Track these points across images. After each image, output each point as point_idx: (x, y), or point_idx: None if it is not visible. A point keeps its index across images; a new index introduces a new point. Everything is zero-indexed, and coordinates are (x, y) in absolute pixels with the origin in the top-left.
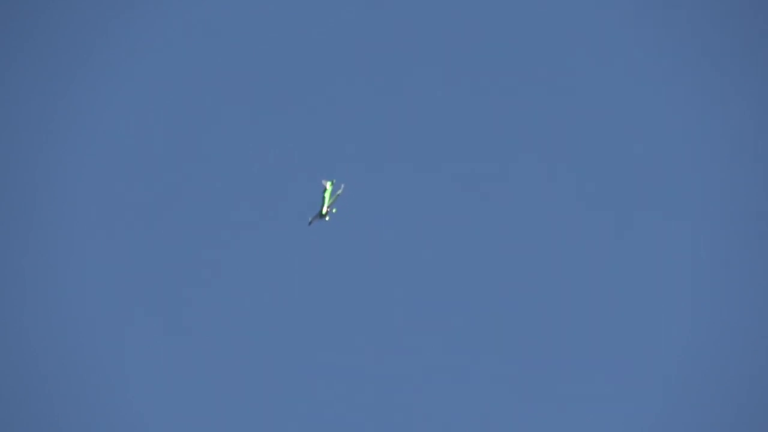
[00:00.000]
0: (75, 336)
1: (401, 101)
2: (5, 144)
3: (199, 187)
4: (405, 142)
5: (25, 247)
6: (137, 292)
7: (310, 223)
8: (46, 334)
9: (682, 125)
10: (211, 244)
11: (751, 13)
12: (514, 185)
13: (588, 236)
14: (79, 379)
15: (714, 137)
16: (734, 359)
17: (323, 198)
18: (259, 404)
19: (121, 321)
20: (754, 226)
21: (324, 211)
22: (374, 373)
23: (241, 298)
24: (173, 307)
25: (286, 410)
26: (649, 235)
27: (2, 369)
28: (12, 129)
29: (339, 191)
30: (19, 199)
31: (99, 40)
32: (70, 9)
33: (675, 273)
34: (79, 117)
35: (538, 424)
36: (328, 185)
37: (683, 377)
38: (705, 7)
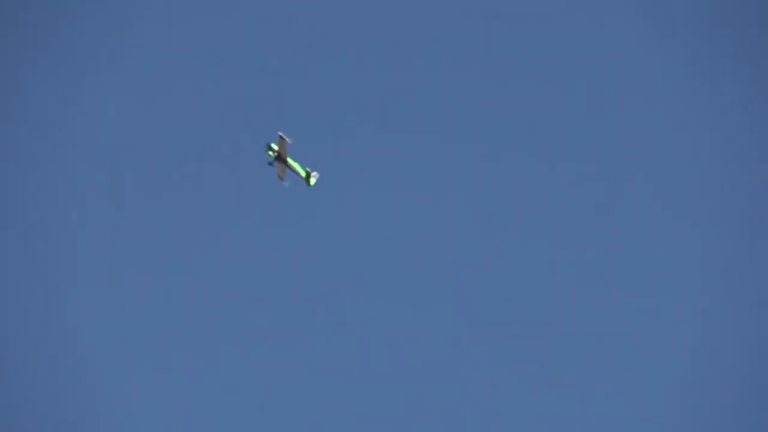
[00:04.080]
0: (74, 335)
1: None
2: (6, 144)
3: (196, 185)
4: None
5: (25, 247)
6: (135, 291)
7: (270, 163)
8: (44, 334)
9: (683, 127)
10: (207, 241)
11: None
12: (516, 183)
13: (590, 236)
14: (76, 378)
15: (714, 138)
16: (735, 361)
17: (285, 158)
18: (258, 404)
19: (119, 321)
20: (756, 226)
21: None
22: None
23: (238, 295)
24: (172, 307)
25: (284, 410)
26: (652, 235)
27: (2, 369)
28: (12, 129)
29: (303, 174)
30: (19, 199)
31: (98, 40)
32: (69, 9)
33: (677, 273)
34: (79, 117)
35: (543, 425)
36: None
37: (685, 379)
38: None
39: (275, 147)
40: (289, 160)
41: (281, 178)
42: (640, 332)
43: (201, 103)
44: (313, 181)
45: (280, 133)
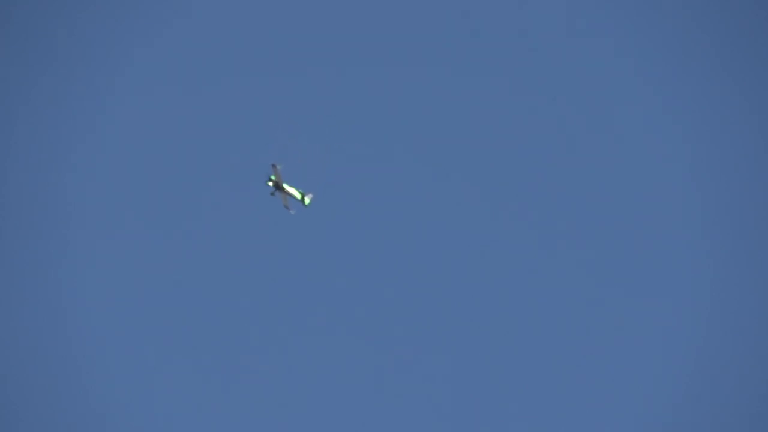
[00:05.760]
0: (75, 336)
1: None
2: (8, 145)
3: (197, 186)
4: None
5: (26, 247)
6: (138, 292)
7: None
8: (45, 334)
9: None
10: (211, 246)
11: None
12: (512, 186)
13: (588, 237)
14: (77, 378)
15: (713, 139)
16: (733, 361)
17: (281, 182)
18: (258, 404)
19: (121, 321)
20: (754, 228)
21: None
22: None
23: (240, 297)
24: (175, 308)
25: (284, 409)
26: (648, 236)
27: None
28: (14, 129)
29: (299, 197)
30: (21, 200)
31: (103, 41)
32: (72, 10)
33: (676, 273)
34: (83, 117)
35: (541, 424)
36: (297, 194)
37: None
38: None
39: (273, 178)
40: (286, 186)
41: (287, 207)
42: (637, 332)
43: (202, 105)
44: (307, 201)
45: (272, 163)
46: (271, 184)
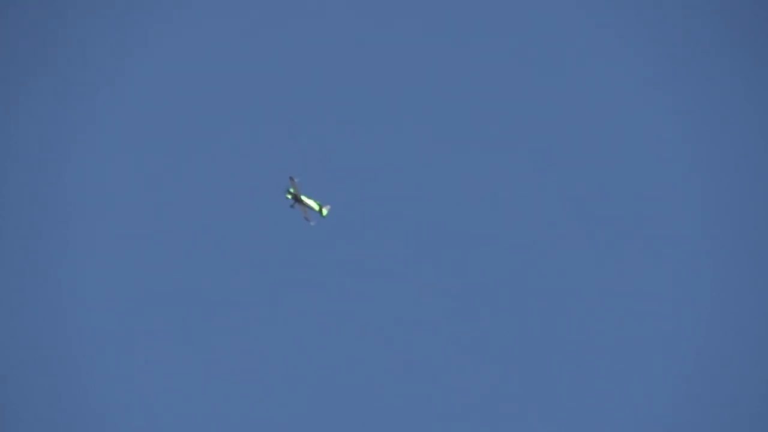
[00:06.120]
0: (75, 336)
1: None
2: (8, 145)
3: (198, 187)
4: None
5: (26, 247)
6: (139, 293)
7: (291, 205)
8: (46, 334)
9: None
10: (212, 248)
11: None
12: (512, 186)
13: (587, 238)
14: (78, 378)
15: (713, 140)
16: (731, 361)
17: (298, 194)
18: (260, 404)
19: (122, 321)
20: (754, 228)
21: (303, 200)
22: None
23: (242, 301)
24: (175, 308)
25: (287, 409)
26: (648, 237)
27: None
28: (14, 129)
29: (317, 208)
30: (21, 200)
31: (105, 41)
32: (73, 10)
33: (676, 272)
34: (85, 118)
35: (540, 424)
36: (316, 205)
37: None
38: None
39: (291, 190)
40: (304, 198)
41: (307, 220)
42: (637, 332)
43: (205, 105)
44: (325, 212)
45: (290, 177)
46: (289, 197)
